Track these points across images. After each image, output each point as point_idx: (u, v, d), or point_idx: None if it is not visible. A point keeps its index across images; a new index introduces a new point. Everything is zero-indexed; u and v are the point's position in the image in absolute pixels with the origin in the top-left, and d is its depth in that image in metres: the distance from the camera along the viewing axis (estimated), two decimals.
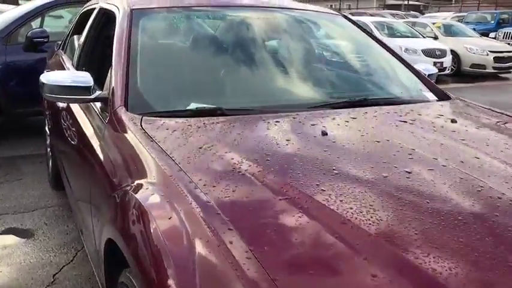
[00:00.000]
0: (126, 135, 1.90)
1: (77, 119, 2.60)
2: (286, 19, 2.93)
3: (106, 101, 2.19)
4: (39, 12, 5.82)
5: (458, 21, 19.31)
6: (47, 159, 4.37)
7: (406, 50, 11.85)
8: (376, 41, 2.98)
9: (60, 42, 4.48)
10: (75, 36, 3.85)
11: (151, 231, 1.35)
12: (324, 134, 1.81)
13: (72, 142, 2.66)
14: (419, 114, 2.17)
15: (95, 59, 3.11)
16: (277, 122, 1.96)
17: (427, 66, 3.12)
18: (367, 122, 2.02)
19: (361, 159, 1.62)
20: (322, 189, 1.39)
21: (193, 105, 2.10)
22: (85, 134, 2.36)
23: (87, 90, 2.19)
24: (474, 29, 16.46)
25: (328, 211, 1.30)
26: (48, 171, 4.31)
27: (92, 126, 2.33)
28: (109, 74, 2.32)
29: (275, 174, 1.49)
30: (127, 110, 2.03)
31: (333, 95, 2.43)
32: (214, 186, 1.43)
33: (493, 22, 21.97)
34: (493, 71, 12.90)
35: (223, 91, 2.38)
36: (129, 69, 2.23)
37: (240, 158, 1.60)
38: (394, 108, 2.20)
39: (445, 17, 22.71)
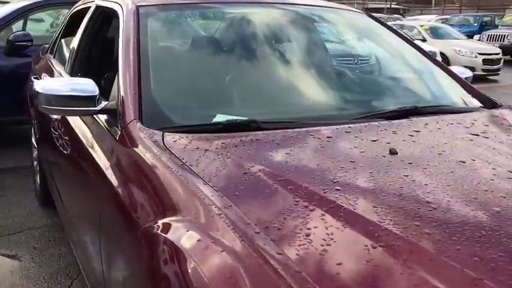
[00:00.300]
0: (146, 157, 1.54)
1: (73, 130, 2.27)
2: (316, 18, 2.61)
3: (113, 113, 1.85)
4: (21, 14, 5.48)
5: (443, 23, 19.26)
6: (34, 173, 4.02)
7: None
8: (408, 42, 2.67)
9: (46, 45, 4.13)
10: (66, 39, 3.51)
11: None
12: (393, 152, 1.48)
13: (69, 157, 2.33)
14: (486, 125, 1.87)
15: (94, 64, 2.77)
16: (329, 138, 1.62)
17: (460, 69, 2.83)
18: (434, 135, 1.70)
19: (456, 187, 1.29)
20: (426, 232, 1.06)
21: (221, 118, 1.75)
22: (86, 149, 2.03)
23: (91, 100, 1.85)
24: (458, 31, 16.41)
25: (451, 269, 0.97)
26: (36, 186, 3.95)
27: (96, 141, 2.00)
28: (115, 81, 1.97)
29: (357, 212, 1.16)
30: (142, 125, 1.69)
31: (378, 103, 2.11)
32: (279, 229, 1.10)
33: (476, 24, 21.97)
34: (482, 73, 12.78)
35: (253, 99, 2.04)
36: (140, 75, 1.89)
37: (302, 188, 1.26)
38: (455, 119, 1.89)
39: (429, 19, 22.68)
